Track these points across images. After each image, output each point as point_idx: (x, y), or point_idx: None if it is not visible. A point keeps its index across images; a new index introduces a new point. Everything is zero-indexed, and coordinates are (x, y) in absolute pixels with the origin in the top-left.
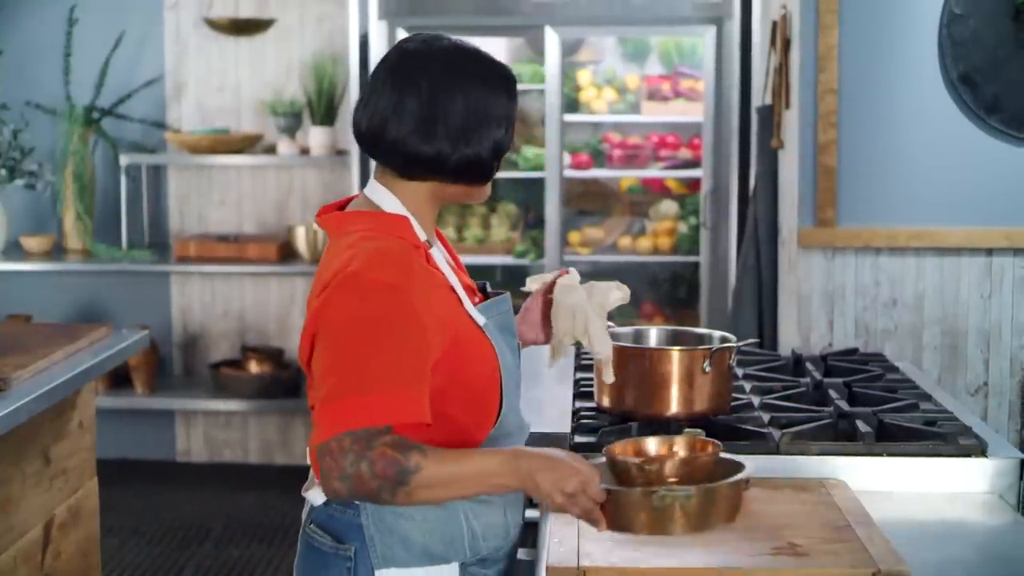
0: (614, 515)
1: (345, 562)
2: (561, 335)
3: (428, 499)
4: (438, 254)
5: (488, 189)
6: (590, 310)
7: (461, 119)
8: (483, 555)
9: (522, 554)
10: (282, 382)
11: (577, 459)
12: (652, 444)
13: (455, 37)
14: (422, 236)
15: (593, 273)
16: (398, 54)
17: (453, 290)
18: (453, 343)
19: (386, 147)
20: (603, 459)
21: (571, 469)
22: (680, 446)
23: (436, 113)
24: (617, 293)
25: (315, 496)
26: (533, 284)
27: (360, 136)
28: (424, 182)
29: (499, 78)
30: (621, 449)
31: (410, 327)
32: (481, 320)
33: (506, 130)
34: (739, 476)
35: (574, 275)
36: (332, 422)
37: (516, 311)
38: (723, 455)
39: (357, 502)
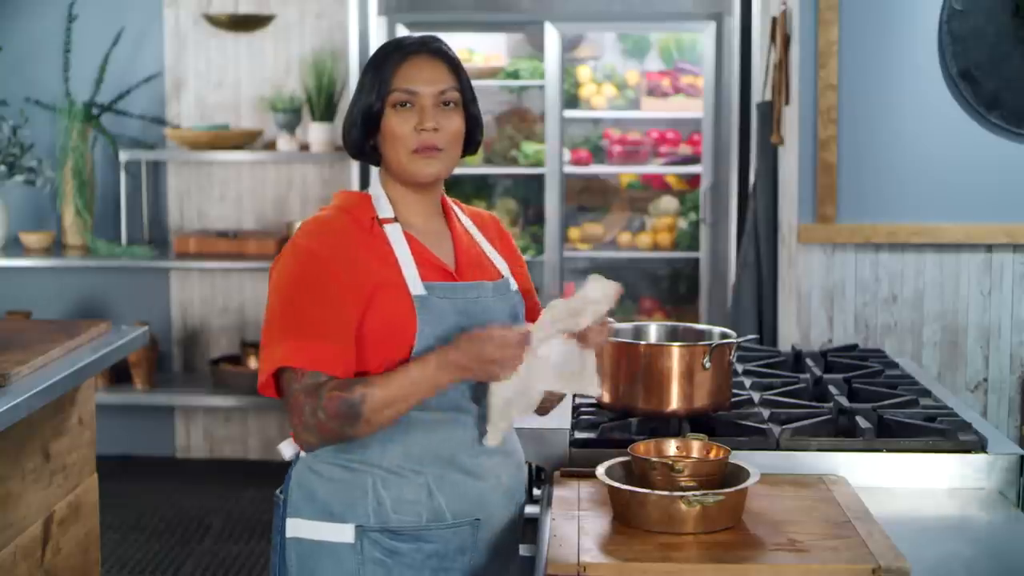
0: (638, 513)
1: (278, 509)
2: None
3: (386, 420)
4: (393, 230)
5: (426, 168)
6: (493, 405)
7: (350, 103)
8: (392, 526)
9: (522, 550)
10: None
11: (491, 326)
12: (671, 446)
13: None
14: (386, 213)
15: (593, 269)
16: None
17: (396, 263)
18: (370, 307)
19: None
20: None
21: (481, 338)
22: (695, 450)
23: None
24: (599, 298)
25: (283, 450)
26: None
27: None
28: (377, 165)
29: (375, 54)
30: (644, 449)
31: (323, 288)
32: (419, 292)
33: (364, 97)
34: (753, 480)
35: (505, 386)
36: (262, 366)
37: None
38: (730, 460)
39: (312, 451)
